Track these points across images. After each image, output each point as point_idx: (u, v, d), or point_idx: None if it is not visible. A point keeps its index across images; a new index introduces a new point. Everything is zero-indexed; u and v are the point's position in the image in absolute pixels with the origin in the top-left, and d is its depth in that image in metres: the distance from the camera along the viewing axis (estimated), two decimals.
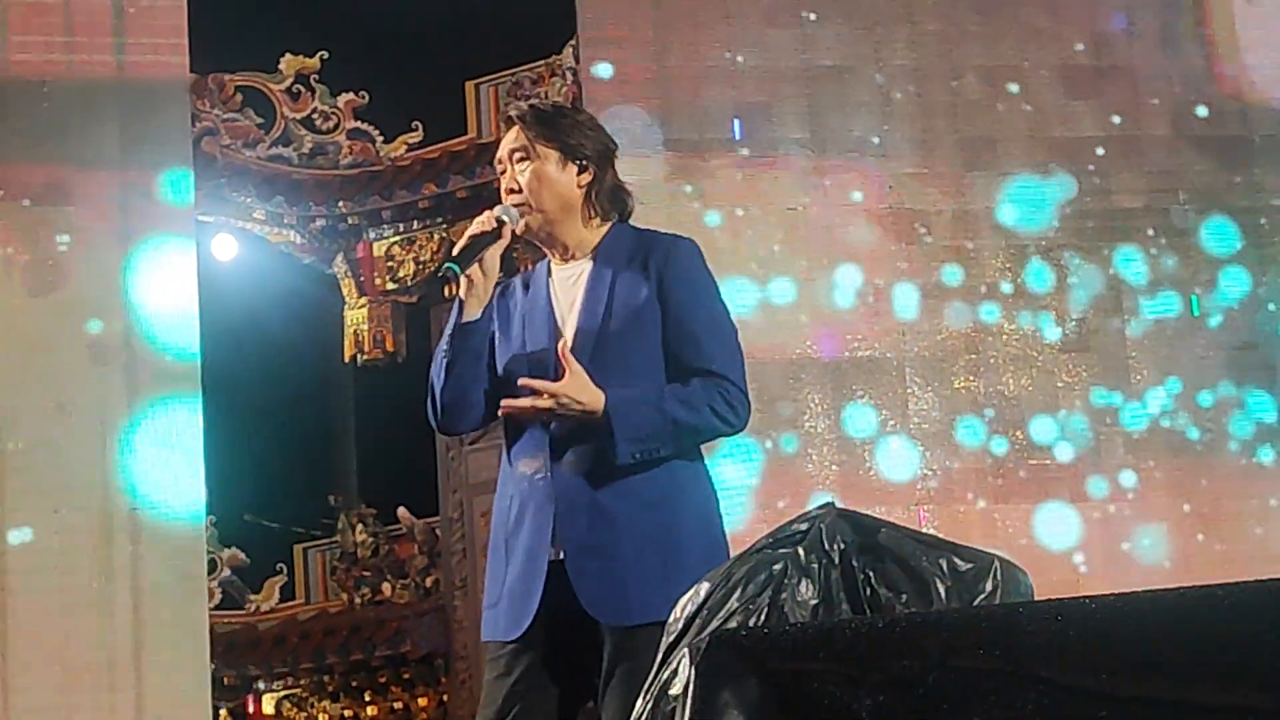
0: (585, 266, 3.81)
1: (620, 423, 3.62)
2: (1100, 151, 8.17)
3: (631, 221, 3.92)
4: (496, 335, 3.80)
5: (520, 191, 3.77)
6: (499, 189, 3.85)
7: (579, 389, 3.62)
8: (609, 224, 3.86)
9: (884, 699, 2.05)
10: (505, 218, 3.75)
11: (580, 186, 3.82)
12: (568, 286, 3.81)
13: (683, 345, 3.73)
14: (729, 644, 2.18)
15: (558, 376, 3.67)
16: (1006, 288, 8.01)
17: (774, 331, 7.77)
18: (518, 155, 3.79)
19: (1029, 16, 8.24)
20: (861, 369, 7.84)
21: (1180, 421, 7.99)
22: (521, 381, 3.65)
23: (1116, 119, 8.22)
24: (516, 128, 3.82)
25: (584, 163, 3.82)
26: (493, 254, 3.73)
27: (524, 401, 3.64)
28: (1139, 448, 7.94)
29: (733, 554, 2.89)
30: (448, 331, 3.75)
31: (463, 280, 3.71)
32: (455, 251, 3.72)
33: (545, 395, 3.62)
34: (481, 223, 3.74)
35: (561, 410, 3.62)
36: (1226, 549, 7.82)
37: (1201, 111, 8.28)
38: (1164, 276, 8.13)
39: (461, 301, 3.73)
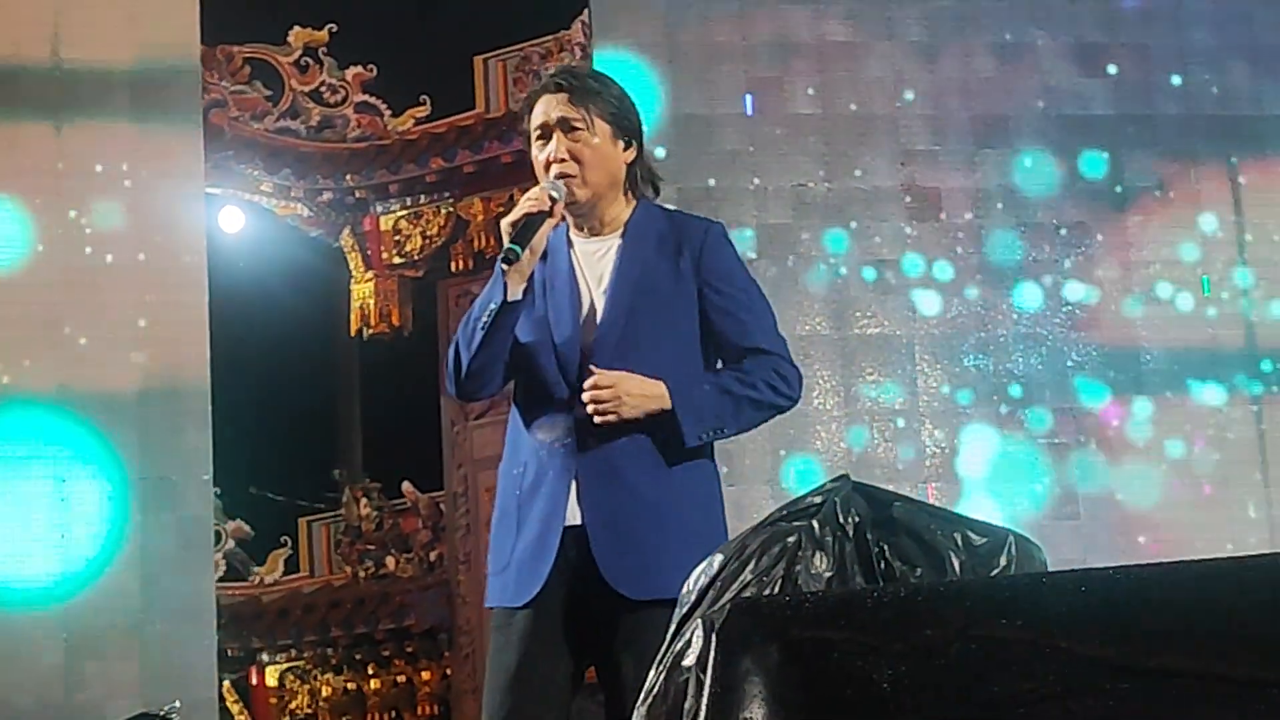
0: (613, 242, 3.78)
1: (683, 404, 3.61)
2: (1112, 130, 8.14)
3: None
4: None
5: (566, 161, 3.71)
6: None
7: (636, 381, 3.60)
8: (635, 201, 3.84)
9: (905, 668, 2.04)
10: (555, 194, 3.67)
11: (626, 163, 3.79)
12: (594, 261, 3.77)
13: (728, 328, 3.74)
14: (749, 612, 2.17)
15: (583, 349, 3.67)
16: (1017, 266, 7.98)
17: (784, 307, 7.74)
18: (571, 125, 3.72)
19: None
20: (871, 346, 7.83)
21: (1191, 397, 7.96)
22: (588, 384, 3.59)
23: (1129, 96, 8.18)
24: (561, 95, 3.74)
25: (630, 139, 3.80)
26: (541, 231, 3.65)
27: (588, 395, 3.59)
28: (1151, 424, 7.92)
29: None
30: (490, 307, 3.65)
31: (525, 257, 3.61)
32: (512, 232, 3.63)
33: (607, 387, 3.58)
34: (535, 200, 3.66)
35: (626, 407, 3.59)
36: (1241, 525, 7.80)
37: (1213, 89, 8.24)
38: (1175, 257, 8.09)
39: (504, 277, 3.64)
